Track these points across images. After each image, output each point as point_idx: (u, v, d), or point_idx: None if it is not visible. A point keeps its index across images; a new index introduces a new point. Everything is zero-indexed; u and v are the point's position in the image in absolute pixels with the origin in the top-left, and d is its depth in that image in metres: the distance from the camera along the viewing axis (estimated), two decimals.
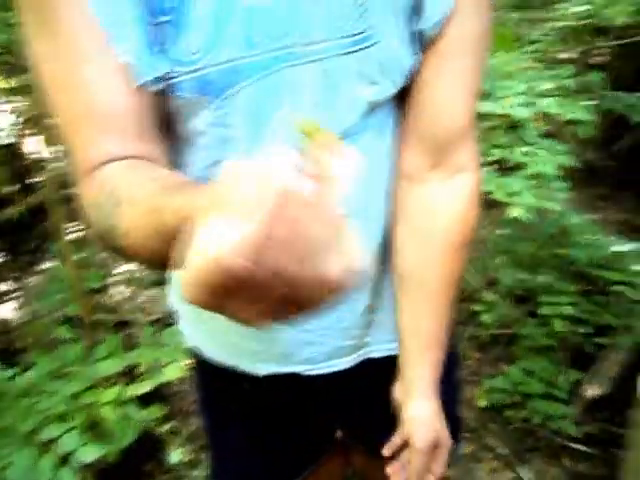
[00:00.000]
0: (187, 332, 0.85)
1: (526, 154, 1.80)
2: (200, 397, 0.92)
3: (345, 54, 0.58)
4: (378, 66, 0.59)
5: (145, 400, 1.61)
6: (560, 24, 2.48)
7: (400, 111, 0.68)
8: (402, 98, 0.67)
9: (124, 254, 0.50)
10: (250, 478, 0.89)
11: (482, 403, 1.92)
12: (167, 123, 0.60)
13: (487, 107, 1.69)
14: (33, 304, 2.29)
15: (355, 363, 0.80)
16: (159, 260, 0.42)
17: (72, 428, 1.37)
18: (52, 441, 1.32)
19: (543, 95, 1.85)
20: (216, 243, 0.27)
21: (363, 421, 0.89)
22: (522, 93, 1.80)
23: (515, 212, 1.57)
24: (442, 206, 0.69)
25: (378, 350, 0.81)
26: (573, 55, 2.63)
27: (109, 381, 1.60)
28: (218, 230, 0.28)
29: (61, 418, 1.39)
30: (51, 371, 1.54)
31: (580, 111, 1.74)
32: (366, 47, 0.58)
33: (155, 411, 1.57)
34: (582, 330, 1.85)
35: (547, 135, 1.85)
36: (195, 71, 0.54)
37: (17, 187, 3.07)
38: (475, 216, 0.71)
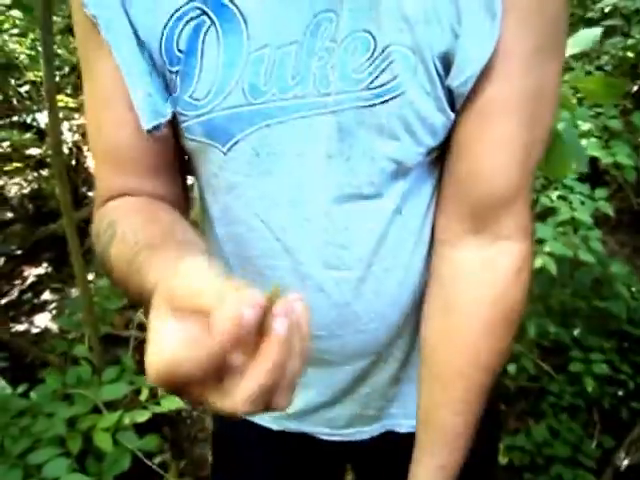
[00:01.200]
0: None
1: (561, 198, 1.69)
2: (215, 445, 0.92)
3: (363, 107, 0.53)
4: (400, 121, 0.54)
5: (144, 427, 1.59)
6: (615, 52, 2.33)
7: (438, 176, 0.62)
8: (441, 162, 0.61)
9: (113, 283, 0.57)
10: None
11: (502, 460, 1.78)
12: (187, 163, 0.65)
13: None
14: (60, 319, 2.35)
15: (377, 434, 0.74)
16: (137, 302, 0.50)
17: (63, 453, 1.36)
18: (41, 466, 1.31)
19: (584, 135, 1.73)
20: (170, 346, 0.33)
21: None
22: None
23: (539, 261, 1.46)
24: (475, 275, 0.60)
25: (403, 425, 0.74)
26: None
27: (113, 405, 1.60)
28: (171, 331, 0.33)
29: (55, 442, 1.39)
30: (55, 391, 1.55)
31: (622, 154, 1.60)
32: (387, 100, 0.53)
33: (152, 440, 1.55)
34: (616, 392, 1.69)
35: (586, 179, 1.72)
36: (202, 115, 0.56)
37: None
38: (519, 293, 0.60)
